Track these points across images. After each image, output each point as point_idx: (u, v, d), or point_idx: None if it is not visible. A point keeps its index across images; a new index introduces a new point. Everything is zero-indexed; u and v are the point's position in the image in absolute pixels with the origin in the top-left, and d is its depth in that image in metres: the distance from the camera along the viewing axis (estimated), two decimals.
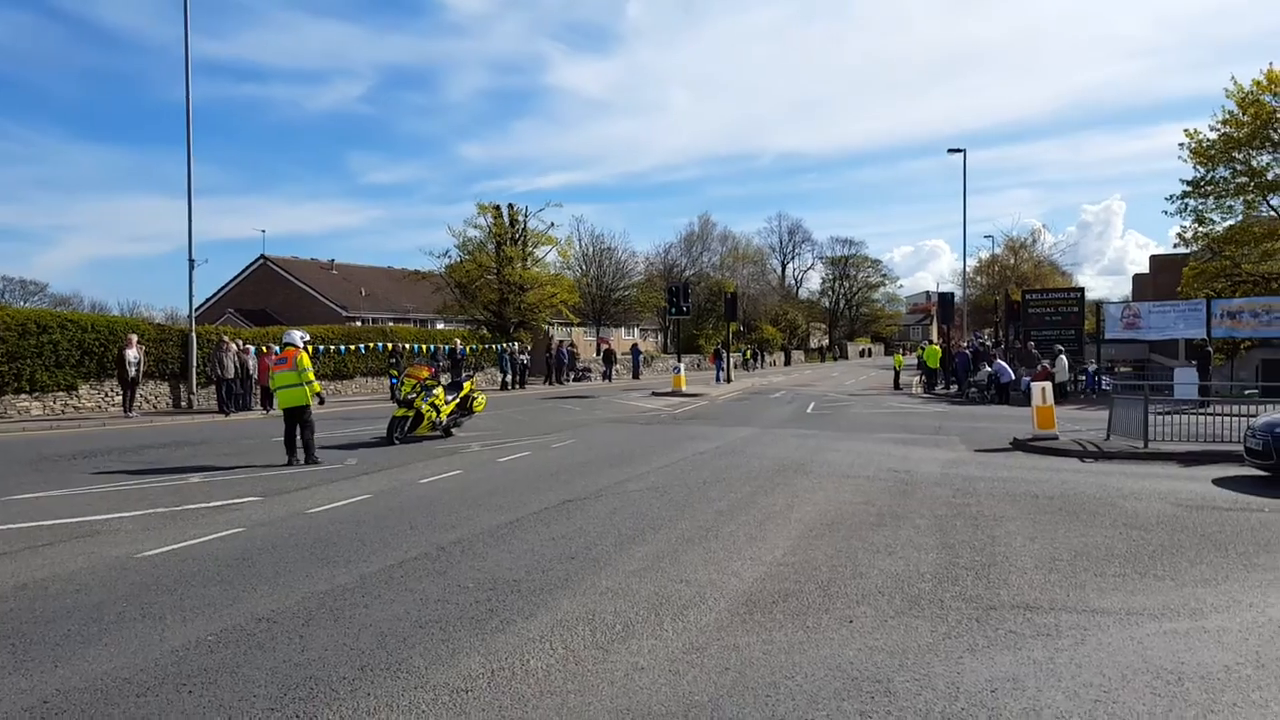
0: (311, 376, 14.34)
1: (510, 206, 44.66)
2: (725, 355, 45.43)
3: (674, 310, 39.64)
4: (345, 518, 9.70)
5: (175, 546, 8.30)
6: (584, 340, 61.32)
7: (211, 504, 10.55)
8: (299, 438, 14.11)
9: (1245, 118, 31.18)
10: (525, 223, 44.60)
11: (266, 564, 7.63)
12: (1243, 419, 15.04)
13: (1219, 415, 16.42)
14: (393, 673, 5.08)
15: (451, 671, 5.09)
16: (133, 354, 23.26)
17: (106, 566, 7.59)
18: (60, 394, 23.51)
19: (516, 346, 40.28)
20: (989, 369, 30.03)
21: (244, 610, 6.28)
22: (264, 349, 26.17)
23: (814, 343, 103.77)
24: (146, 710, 4.60)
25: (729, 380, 43.14)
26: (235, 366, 24.75)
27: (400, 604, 6.41)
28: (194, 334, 26.48)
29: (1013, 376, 28.83)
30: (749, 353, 69.66)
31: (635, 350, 52.38)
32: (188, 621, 6.04)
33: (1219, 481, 12.32)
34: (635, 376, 48.97)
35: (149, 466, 13.91)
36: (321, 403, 15.29)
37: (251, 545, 8.36)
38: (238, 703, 4.67)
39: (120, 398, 23.75)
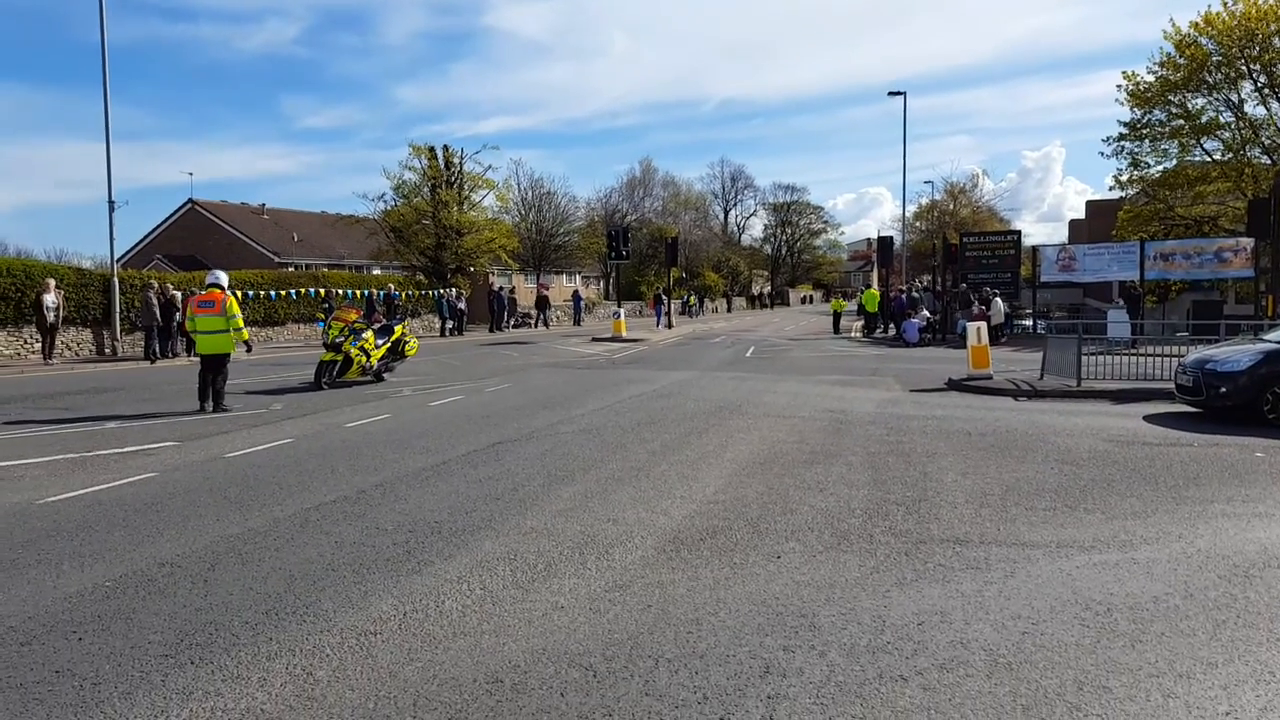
0: (240, 324, 13.56)
1: (445, 148, 43.44)
2: (666, 301, 45.21)
3: (614, 255, 39.27)
4: (264, 462, 9.36)
5: (81, 492, 7.92)
6: (525, 287, 60.58)
7: (125, 449, 10.13)
8: (212, 386, 13.42)
9: (1182, 60, 31.25)
10: (461, 165, 43.51)
11: (176, 508, 7.29)
12: (1173, 359, 15.20)
13: (1151, 355, 16.61)
14: (298, 617, 4.83)
15: (361, 614, 4.86)
16: (50, 299, 22.36)
17: (4, 513, 7.19)
18: None
19: (454, 292, 39.60)
20: (927, 314, 30.36)
21: (147, 555, 5.97)
22: (191, 293, 25.36)
23: (756, 289, 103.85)
24: (30, 659, 4.31)
25: (670, 326, 42.99)
26: (159, 311, 23.96)
27: (313, 547, 6.14)
28: (116, 279, 25.56)
29: (915, 333, 29.90)
30: (691, 299, 69.40)
31: (576, 296, 51.87)
32: (86, 567, 5.72)
33: (1150, 418, 12.44)
34: (576, 323, 48.60)
35: (64, 413, 13.34)
36: (249, 350, 14.74)
37: (163, 490, 8.01)
38: (129, 649, 4.40)
39: (39, 344, 22.88)
